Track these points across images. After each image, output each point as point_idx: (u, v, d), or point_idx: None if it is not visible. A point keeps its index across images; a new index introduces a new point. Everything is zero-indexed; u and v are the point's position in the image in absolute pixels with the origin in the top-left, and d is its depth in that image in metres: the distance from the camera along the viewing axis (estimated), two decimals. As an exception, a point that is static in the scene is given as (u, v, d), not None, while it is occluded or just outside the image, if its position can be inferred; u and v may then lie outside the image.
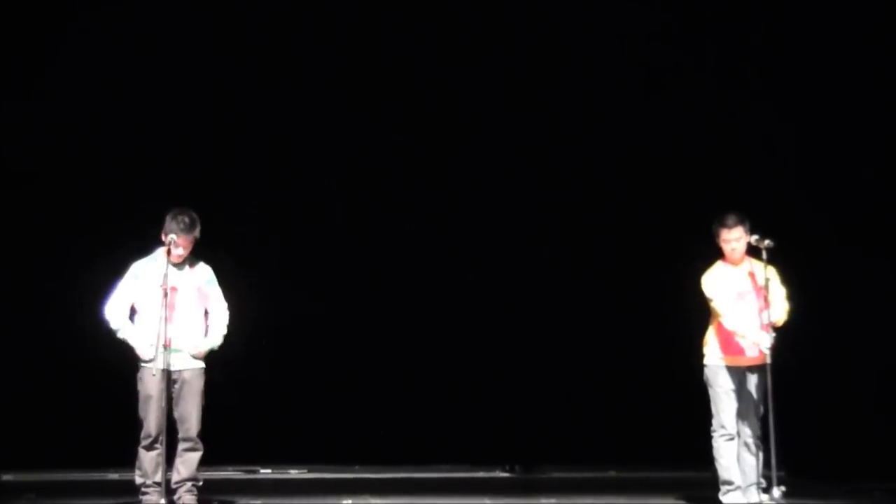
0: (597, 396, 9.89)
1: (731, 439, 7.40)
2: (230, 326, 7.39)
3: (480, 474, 10.07)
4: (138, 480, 7.15)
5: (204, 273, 7.30)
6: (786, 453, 7.30)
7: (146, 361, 7.11)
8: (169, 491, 7.10)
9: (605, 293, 10.10)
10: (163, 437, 7.04)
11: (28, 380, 9.50)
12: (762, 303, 7.32)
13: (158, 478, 7.09)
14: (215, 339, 7.29)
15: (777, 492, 7.13)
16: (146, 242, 7.35)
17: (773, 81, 9.82)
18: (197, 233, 7.17)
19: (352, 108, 10.08)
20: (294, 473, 10.04)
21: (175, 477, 7.15)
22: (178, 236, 7.07)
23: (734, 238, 7.43)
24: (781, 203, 9.24)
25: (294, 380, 9.98)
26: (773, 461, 7.18)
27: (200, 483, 7.18)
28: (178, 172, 9.51)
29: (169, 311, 7.05)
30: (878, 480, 8.26)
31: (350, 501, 7.92)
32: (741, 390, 7.43)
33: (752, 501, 7.31)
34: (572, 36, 10.01)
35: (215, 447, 9.67)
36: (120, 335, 7.18)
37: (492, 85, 10.13)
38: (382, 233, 10.23)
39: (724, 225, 7.45)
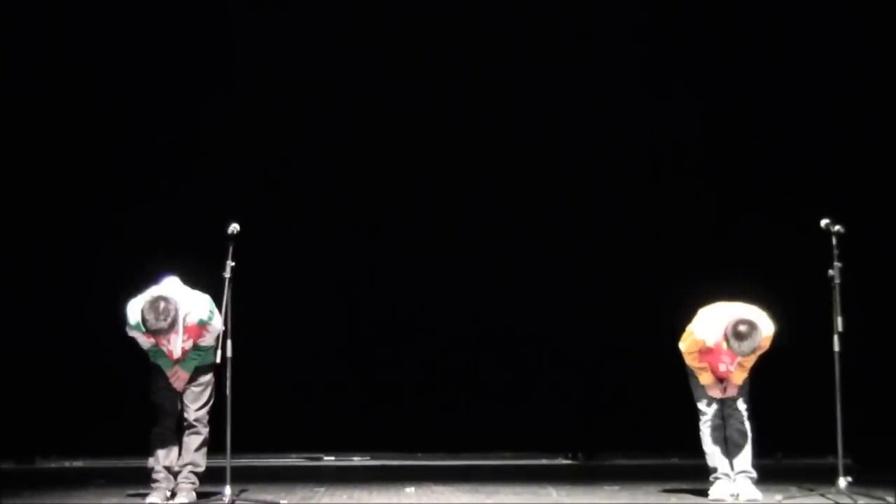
0: (659, 383, 9.82)
1: (715, 425, 7.25)
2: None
3: (543, 461, 10.10)
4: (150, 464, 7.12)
5: (195, 316, 6.88)
6: (851, 441, 7.23)
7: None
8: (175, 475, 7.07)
9: (667, 279, 10.06)
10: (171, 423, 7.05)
11: (99, 368, 9.62)
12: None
13: (168, 462, 7.03)
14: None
15: (843, 482, 7.06)
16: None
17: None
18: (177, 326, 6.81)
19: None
20: (357, 460, 10.11)
21: (178, 461, 7.08)
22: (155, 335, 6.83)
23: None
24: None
25: (358, 368, 10.04)
26: (840, 449, 7.13)
27: (200, 469, 7.03)
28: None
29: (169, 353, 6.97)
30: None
31: (413, 488, 7.94)
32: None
33: (738, 493, 7.18)
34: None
35: (279, 435, 9.82)
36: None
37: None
38: (436, 212, 10.27)
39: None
